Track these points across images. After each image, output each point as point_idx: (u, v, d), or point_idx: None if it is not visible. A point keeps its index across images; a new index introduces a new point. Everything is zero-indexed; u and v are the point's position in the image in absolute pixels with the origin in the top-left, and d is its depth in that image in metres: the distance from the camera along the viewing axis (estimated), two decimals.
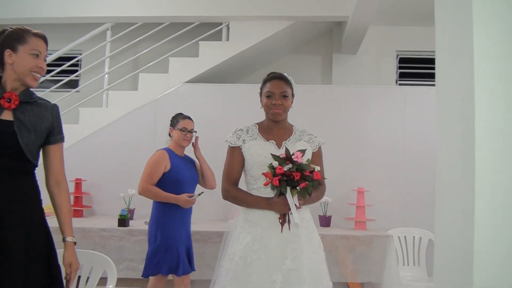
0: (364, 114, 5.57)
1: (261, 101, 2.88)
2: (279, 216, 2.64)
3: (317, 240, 2.79)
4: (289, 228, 2.62)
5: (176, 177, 3.78)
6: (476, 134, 2.16)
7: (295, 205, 2.58)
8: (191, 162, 4.04)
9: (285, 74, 2.90)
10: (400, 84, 6.58)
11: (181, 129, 3.89)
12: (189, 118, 4.01)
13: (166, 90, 5.79)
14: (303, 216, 2.74)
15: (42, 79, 5.59)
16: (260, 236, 2.64)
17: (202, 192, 3.85)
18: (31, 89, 2.37)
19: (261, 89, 2.89)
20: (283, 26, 5.85)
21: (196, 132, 3.98)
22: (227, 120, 5.40)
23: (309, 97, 5.48)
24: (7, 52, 2.24)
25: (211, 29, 6.24)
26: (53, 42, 6.32)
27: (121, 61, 6.32)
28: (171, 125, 4.01)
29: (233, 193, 2.79)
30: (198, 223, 4.82)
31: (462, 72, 2.32)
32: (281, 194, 2.58)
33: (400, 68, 6.67)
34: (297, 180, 2.51)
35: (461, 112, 2.30)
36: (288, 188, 2.54)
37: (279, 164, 2.56)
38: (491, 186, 2.17)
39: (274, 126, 2.86)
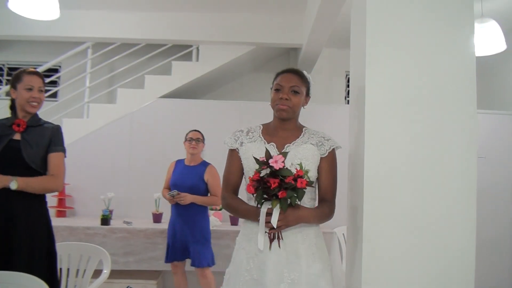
0: (317, 129, 5.97)
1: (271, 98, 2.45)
2: (267, 230, 2.17)
3: (325, 262, 2.31)
4: (279, 246, 2.19)
5: (174, 182, 4.37)
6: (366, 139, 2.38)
7: (270, 223, 2.11)
8: (198, 170, 4.45)
9: (305, 72, 2.47)
10: (348, 102, 7.02)
11: (188, 139, 4.46)
12: (196, 130, 4.58)
13: (142, 104, 6.07)
14: (306, 232, 2.29)
15: None
16: (254, 253, 2.24)
17: (174, 192, 4.23)
18: (38, 115, 2.93)
19: (273, 83, 2.46)
20: (246, 50, 6.22)
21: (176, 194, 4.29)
22: None
23: (267, 113, 5.82)
24: (12, 91, 2.86)
25: (183, 51, 6.50)
26: (35, 55, 6.71)
27: (101, 76, 6.58)
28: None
29: (228, 201, 2.41)
30: None
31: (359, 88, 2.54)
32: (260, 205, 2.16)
33: (348, 86, 7.03)
34: (273, 188, 2.05)
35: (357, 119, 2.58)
36: (266, 202, 2.13)
37: (257, 169, 2.14)
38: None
39: (281, 127, 2.42)
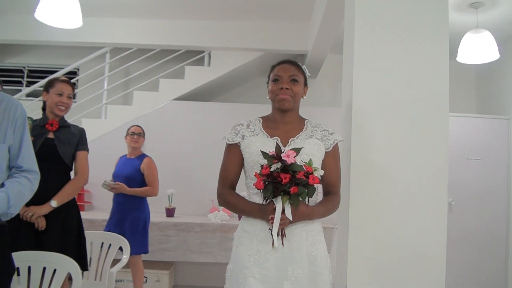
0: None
1: (268, 90, 2.39)
2: (270, 227, 2.11)
3: (324, 259, 2.25)
4: (282, 244, 2.12)
5: (114, 173, 4.70)
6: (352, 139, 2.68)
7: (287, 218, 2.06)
8: (135, 162, 4.73)
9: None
10: None
11: (130, 134, 4.71)
12: (137, 125, 4.86)
13: (156, 105, 6.34)
14: (310, 229, 2.23)
15: None
16: (256, 250, 2.17)
17: (106, 181, 4.56)
18: (64, 118, 3.27)
19: (269, 76, 2.40)
20: (254, 56, 6.40)
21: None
22: (206, 131, 6.14)
23: None
24: (44, 93, 3.19)
25: (195, 56, 6.72)
26: (54, 58, 6.94)
27: (118, 79, 6.84)
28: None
29: (226, 197, 2.32)
30: (182, 216, 5.64)
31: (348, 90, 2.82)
32: (271, 200, 2.08)
33: None
34: (284, 183, 1.99)
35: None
36: (278, 197, 2.04)
37: (267, 164, 2.07)
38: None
39: (282, 120, 2.34)
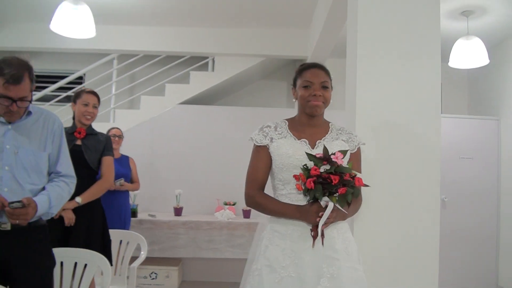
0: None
1: (294, 94, 2.41)
2: (311, 227, 2.13)
3: (356, 254, 2.28)
4: (322, 243, 2.12)
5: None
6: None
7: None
8: (125, 161, 5.08)
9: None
10: None
11: (111, 136, 4.85)
12: (117, 128, 5.16)
13: (163, 109, 6.51)
14: (340, 226, 2.26)
15: (62, 97, 6.52)
16: (290, 250, 2.16)
17: (121, 180, 4.77)
18: (92, 126, 3.51)
19: (295, 80, 2.39)
20: (256, 61, 6.57)
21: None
22: (211, 134, 6.38)
23: (276, 119, 6.17)
24: (72, 104, 3.44)
25: (200, 62, 6.87)
26: (62, 64, 7.07)
27: (125, 84, 7.02)
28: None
29: (258, 199, 2.29)
30: (189, 215, 5.88)
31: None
32: (315, 200, 2.08)
33: None
34: (334, 184, 2.00)
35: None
36: (324, 197, 2.05)
37: (315, 165, 2.08)
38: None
39: (308, 123, 2.35)
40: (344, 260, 2.17)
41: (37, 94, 6.78)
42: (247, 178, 2.36)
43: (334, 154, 2.10)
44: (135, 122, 6.48)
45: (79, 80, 7.24)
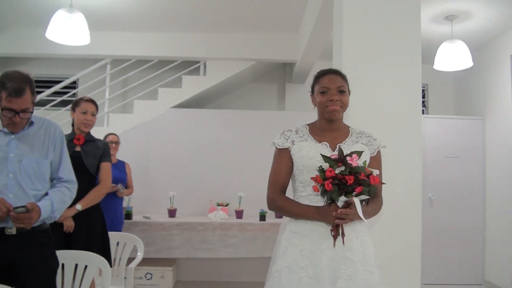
0: None
1: (312, 100, 2.45)
2: (331, 227, 2.19)
3: (373, 258, 2.31)
4: (343, 242, 2.17)
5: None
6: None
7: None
8: (121, 166, 5.16)
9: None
10: None
11: (108, 142, 4.87)
12: (114, 134, 5.23)
13: (156, 113, 6.60)
14: (359, 229, 2.28)
15: (56, 101, 6.60)
16: (309, 251, 2.20)
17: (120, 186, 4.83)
18: (90, 133, 3.61)
19: (313, 87, 2.44)
20: (247, 65, 6.68)
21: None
22: (204, 136, 6.49)
23: (266, 121, 6.33)
24: (71, 112, 3.54)
25: (191, 66, 6.96)
26: (56, 69, 7.12)
27: (118, 89, 7.09)
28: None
29: (279, 202, 2.35)
30: (183, 216, 5.98)
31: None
32: (332, 201, 2.13)
33: None
34: (350, 184, 2.07)
35: None
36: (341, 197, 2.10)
37: (330, 166, 2.13)
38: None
39: (328, 127, 2.39)
40: (361, 263, 2.20)
41: None
42: (269, 182, 2.40)
43: (349, 155, 2.14)
44: (129, 126, 6.55)
45: (73, 85, 7.31)
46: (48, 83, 7.16)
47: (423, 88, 7.55)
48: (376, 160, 2.39)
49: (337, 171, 2.09)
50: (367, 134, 2.44)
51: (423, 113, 7.47)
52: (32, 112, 2.46)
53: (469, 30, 5.80)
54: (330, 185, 2.06)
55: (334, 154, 2.19)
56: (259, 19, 5.78)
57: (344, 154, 2.15)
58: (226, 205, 6.16)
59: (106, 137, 5.12)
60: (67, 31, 4.71)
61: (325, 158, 2.16)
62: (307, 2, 5.22)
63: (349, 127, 2.46)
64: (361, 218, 2.15)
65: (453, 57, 5.41)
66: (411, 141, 3.12)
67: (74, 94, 7.28)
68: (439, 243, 6.31)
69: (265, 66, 7.25)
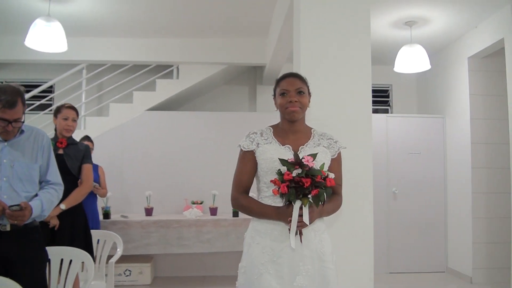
0: None
1: (275, 103, 2.51)
2: (288, 227, 2.23)
3: (331, 255, 2.39)
4: (301, 241, 2.25)
5: None
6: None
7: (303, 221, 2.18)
8: (95, 170, 5.24)
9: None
10: None
11: None
12: (88, 136, 5.46)
13: (131, 116, 6.76)
14: (317, 228, 2.38)
15: (34, 106, 6.75)
16: (270, 248, 2.30)
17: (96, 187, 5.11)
18: (72, 137, 3.84)
19: (275, 90, 2.51)
20: (219, 68, 6.91)
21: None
22: (178, 138, 6.71)
23: (238, 122, 6.58)
24: (54, 119, 3.79)
25: (165, 70, 7.15)
26: (32, 73, 7.25)
27: (94, 93, 7.23)
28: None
29: (242, 201, 2.43)
30: (160, 214, 6.23)
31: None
32: (290, 203, 2.20)
33: None
34: (307, 187, 2.12)
35: None
36: (297, 200, 2.16)
37: (288, 170, 2.19)
38: None
39: (291, 129, 2.46)
40: (319, 259, 2.31)
41: None
42: (233, 182, 2.49)
43: (303, 158, 2.21)
44: (105, 128, 6.71)
45: (50, 89, 7.43)
46: (25, 88, 7.20)
47: (388, 89, 7.92)
48: (337, 161, 2.49)
49: (294, 173, 2.16)
50: (328, 136, 2.52)
51: (387, 112, 7.86)
52: (23, 122, 2.72)
53: (428, 35, 6.16)
54: (286, 188, 2.13)
55: (292, 158, 2.25)
56: (230, 24, 6.05)
57: (300, 156, 2.24)
58: (201, 203, 6.40)
59: (80, 140, 5.25)
60: (45, 39, 4.95)
61: (283, 162, 2.24)
62: (275, 9, 5.50)
63: (311, 128, 2.53)
64: (317, 219, 2.32)
65: (412, 60, 5.76)
66: (363, 138, 3.39)
67: (51, 98, 7.39)
68: (404, 234, 6.67)
69: (237, 69, 7.47)
